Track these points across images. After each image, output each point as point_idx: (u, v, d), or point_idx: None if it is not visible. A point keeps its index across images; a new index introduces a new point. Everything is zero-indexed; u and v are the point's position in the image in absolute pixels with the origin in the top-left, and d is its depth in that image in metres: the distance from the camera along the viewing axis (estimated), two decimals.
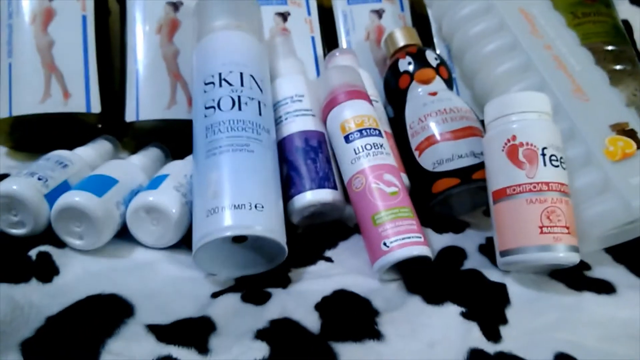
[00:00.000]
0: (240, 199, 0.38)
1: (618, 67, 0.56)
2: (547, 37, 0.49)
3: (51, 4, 0.52)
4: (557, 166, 0.39)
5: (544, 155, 0.39)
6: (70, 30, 0.52)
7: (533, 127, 0.40)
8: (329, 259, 0.44)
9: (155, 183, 0.42)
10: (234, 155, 0.40)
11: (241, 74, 0.44)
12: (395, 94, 0.52)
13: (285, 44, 0.53)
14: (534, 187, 0.39)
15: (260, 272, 0.41)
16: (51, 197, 0.40)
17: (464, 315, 0.38)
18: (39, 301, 0.36)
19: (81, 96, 0.51)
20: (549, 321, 0.38)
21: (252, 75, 0.44)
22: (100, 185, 0.41)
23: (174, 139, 0.51)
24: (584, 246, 0.41)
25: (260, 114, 0.43)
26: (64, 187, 0.42)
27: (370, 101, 0.47)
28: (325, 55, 0.58)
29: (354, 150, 0.43)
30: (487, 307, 0.39)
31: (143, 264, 0.41)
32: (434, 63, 0.51)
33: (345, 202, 0.46)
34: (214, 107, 0.42)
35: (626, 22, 0.67)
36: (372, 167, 0.42)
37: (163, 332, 0.35)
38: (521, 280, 0.41)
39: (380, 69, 0.59)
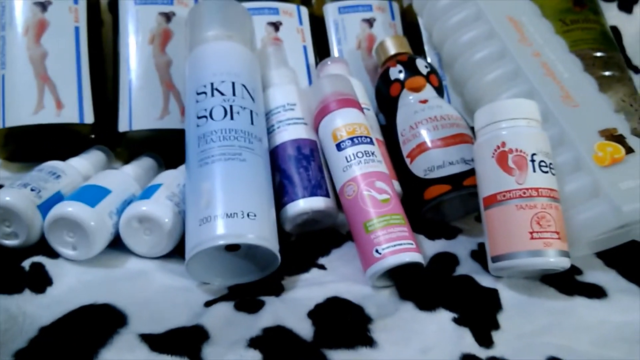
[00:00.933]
0: (232, 207, 0.38)
1: (607, 73, 0.56)
2: (535, 45, 0.50)
3: (44, 15, 0.52)
4: (547, 172, 0.40)
5: (533, 161, 0.40)
6: (63, 41, 0.52)
7: (522, 133, 0.41)
8: (322, 267, 0.44)
9: (148, 193, 0.42)
10: (226, 164, 0.40)
11: (233, 83, 0.44)
12: (386, 101, 0.52)
13: (277, 53, 0.53)
14: (524, 193, 0.39)
15: (253, 280, 0.41)
16: (44, 207, 0.40)
17: (456, 320, 0.38)
18: (32, 312, 0.36)
19: (74, 107, 0.51)
20: (541, 326, 0.38)
21: (243, 85, 0.45)
22: (93, 195, 0.41)
23: (166, 148, 0.52)
24: (575, 251, 0.42)
25: (252, 123, 0.43)
26: (57, 197, 0.42)
27: (361, 109, 0.48)
28: (317, 64, 0.58)
29: (346, 158, 0.44)
30: (479, 312, 0.39)
31: (136, 274, 0.41)
32: (424, 71, 0.51)
33: (338, 210, 0.46)
34: (206, 116, 0.42)
35: (615, 29, 0.68)
36: (363, 174, 0.43)
37: (156, 342, 0.35)
38: (513, 286, 0.41)
39: (371, 77, 0.59)
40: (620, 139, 0.43)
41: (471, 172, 0.45)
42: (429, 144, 0.47)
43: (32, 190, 0.41)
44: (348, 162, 0.43)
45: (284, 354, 0.35)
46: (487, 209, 0.41)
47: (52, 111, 0.50)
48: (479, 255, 0.45)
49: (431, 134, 0.47)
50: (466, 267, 0.44)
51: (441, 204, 0.47)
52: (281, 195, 0.45)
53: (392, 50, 0.54)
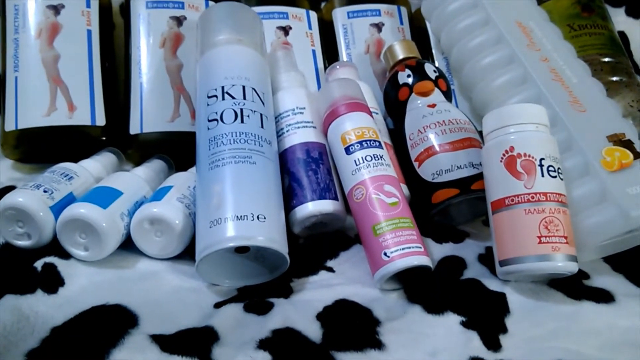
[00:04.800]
0: (242, 210, 0.39)
1: (615, 78, 0.56)
2: (544, 50, 0.50)
3: (57, 19, 0.53)
4: (555, 177, 0.40)
5: (541, 166, 0.40)
6: (75, 44, 0.53)
7: (531, 138, 0.41)
8: (330, 269, 0.44)
9: (159, 194, 0.43)
10: (237, 167, 0.41)
11: (243, 87, 0.45)
12: (394, 106, 0.52)
13: (286, 57, 0.53)
14: (532, 197, 0.39)
15: (262, 282, 0.42)
16: (56, 209, 0.41)
17: (464, 324, 0.38)
18: (44, 312, 0.36)
19: (86, 109, 0.52)
20: (549, 330, 0.38)
21: (254, 89, 0.45)
22: (105, 197, 0.42)
23: (177, 151, 0.52)
24: (583, 255, 0.42)
25: (262, 126, 0.44)
26: (69, 199, 0.43)
27: (370, 113, 0.48)
28: (326, 68, 0.59)
29: (355, 161, 0.44)
30: (487, 316, 0.39)
31: (147, 275, 0.41)
32: (432, 75, 0.51)
33: (346, 213, 0.46)
34: (216, 119, 0.43)
35: (622, 34, 0.68)
36: (372, 178, 0.43)
37: (167, 342, 0.35)
38: (520, 290, 0.41)
39: (380, 81, 0.60)
40: (628, 144, 0.43)
41: (479, 176, 0.45)
42: (437, 148, 0.47)
43: (44, 191, 0.41)
44: (357, 165, 0.44)
45: (293, 355, 0.35)
46: (495, 213, 0.41)
47: (64, 113, 0.51)
48: (487, 259, 0.45)
49: (439, 138, 0.47)
50: (474, 270, 0.44)
51: (449, 207, 0.47)
52: (290, 198, 0.45)
53: (401, 55, 0.55)
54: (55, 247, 0.41)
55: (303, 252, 0.46)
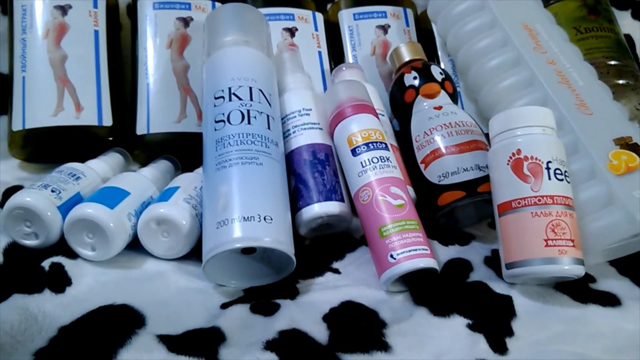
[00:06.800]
0: (249, 211, 0.39)
1: (621, 81, 0.56)
2: (550, 52, 0.50)
3: (64, 19, 0.53)
4: (562, 180, 0.40)
5: (548, 169, 0.40)
6: (82, 44, 0.53)
7: (537, 141, 0.41)
8: (337, 271, 0.44)
9: (166, 195, 0.43)
10: (244, 168, 0.41)
11: (250, 88, 0.45)
12: (401, 107, 0.52)
13: (292, 58, 0.53)
14: (539, 200, 0.39)
15: (268, 283, 0.42)
16: (64, 208, 0.41)
17: (471, 327, 0.38)
18: (52, 311, 0.36)
19: (93, 109, 0.52)
20: (555, 333, 0.38)
21: (260, 90, 0.45)
22: (112, 197, 0.42)
23: (184, 151, 0.52)
24: (589, 259, 0.42)
25: (269, 128, 0.44)
26: (77, 199, 0.43)
27: (376, 115, 0.48)
28: (332, 69, 0.59)
29: (361, 163, 0.44)
30: (493, 319, 0.39)
31: (154, 275, 0.42)
32: (439, 77, 0.51)
33: (352, 214, 0.46)
34: (223, 120, 0.43)
35: (629, 37, 0.68)
36: (378, 180, 0.43)
37: (174, 343, 0.35)
38: (527, 293, 0.41)
39: (386, 83, 0.60)
40: (635, 148, 0.43)
41: (485, 179, 0.45)
42: (443, 150, 0.47)
43: (52, 191, 0.42)
44: (363, 167, 0.44)
45: (299, 356, 0.35)
46: (501, 216, 0.41)
47: (71, 113, 0.51)
48: (493, 261, 0.45)
49: (445, 140, 0.47)
50: (480, 273, 0.44)
51: (455, 210, 0.47)
52: (296, 199, 0.45)
53: (407, 57, 0.55)
54: (62, 247, 0.41)
55: (309, 253, 0.46)
